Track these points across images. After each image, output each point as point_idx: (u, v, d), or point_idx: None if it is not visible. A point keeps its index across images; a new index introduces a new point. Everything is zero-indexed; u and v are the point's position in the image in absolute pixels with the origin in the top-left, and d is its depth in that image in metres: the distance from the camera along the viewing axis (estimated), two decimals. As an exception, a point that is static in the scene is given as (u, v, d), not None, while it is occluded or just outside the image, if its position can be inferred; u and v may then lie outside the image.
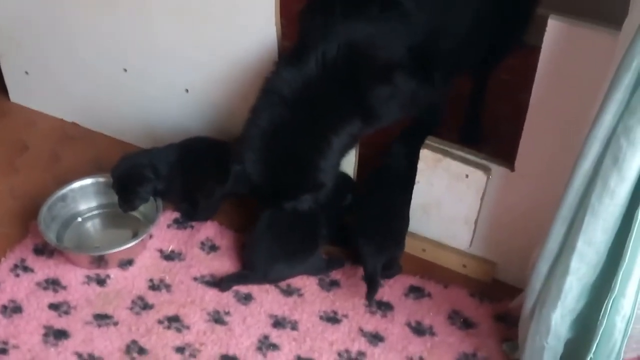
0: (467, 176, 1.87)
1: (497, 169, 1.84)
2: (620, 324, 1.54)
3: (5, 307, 1.87)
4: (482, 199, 1.89)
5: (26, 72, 2.41)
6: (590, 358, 1.59)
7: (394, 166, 2.06)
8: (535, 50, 1.64)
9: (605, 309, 1.51)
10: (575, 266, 1.50)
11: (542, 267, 1.59)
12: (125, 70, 2.22)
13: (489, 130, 2.32)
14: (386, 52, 1.84)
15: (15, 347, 1.79)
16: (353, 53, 1.81)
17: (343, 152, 1.93)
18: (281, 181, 1.88)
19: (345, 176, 2.09)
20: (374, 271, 1.89)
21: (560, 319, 1.59)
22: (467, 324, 1.91)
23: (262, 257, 1.97)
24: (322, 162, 1.86)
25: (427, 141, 1.90)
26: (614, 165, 1.33)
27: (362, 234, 1.94)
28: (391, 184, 2.04)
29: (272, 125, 1.85)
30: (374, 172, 2.08)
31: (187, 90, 2.18)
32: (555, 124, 1.69)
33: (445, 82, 1.96)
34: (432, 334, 1.88)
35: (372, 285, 1.88)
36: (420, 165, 1.92)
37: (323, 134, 1.84)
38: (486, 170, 1.85)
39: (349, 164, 2.07)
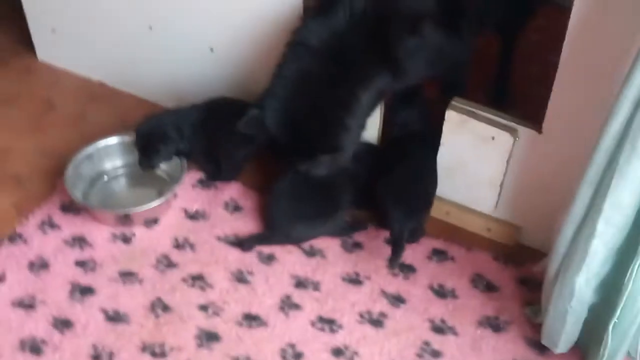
0: (493, 138, 1.84)
1: (525, 131, 1.81)
2: (645, 289, 1.52)
3: (32, 263, 1.90)
4: (508, 161, 1.86)
5: (53, 30, 2.42)
6: (615, 322, 1.57)
7: (415, 130, 2.03)
8: (566, 10, 1.60)
9: (631, 273, 1.49)
10: (601, 229, 1.47)
11: (568, 231, 1.57)
12: (151, 28, 2.22)
13: (517, 91, 2.28)
14: (414, 3, 1.80)
15: (42, 302, 1.82)
16: (381, 4, 1.77)
17: (369, 110, 1.88)
18: (300, 136, 1.82)
19: (372, 145, 2.07)
20: (401, 236, 1.88)
21: (584, 283, 1.57)
22: (489, 287, 1.90)
23: (283, 217, 1.97)
24: (348, 118, 1.80)
25: (452, 102, 1.87)
26: (644, 125, 1.30)
27: (390, 199, 1.92)
28: (417, 147, 2.01)
29: (298, 76, 1.80)
30: (397, 137, 2.06)
31: (212, 50, 2.17)
32: (584, 85, 1.65)
33: (473, 36, 1.91)
34: (454, 296, 1.88)
35: (397, 250, 1.87)
36: (446, 127, 1.89)
37: (351, 87, 1.79)
38: (513, 132, 1.82)
39: (373, 126, 2.05)
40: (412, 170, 1.97)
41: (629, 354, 1.65)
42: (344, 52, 1.80)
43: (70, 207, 2.04)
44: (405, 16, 1.79)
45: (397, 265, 1.90)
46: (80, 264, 1.92)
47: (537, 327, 1.78)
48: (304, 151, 1.84)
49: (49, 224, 2.00)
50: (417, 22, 1.80)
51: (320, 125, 1.81)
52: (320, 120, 1.81)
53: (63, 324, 1.78)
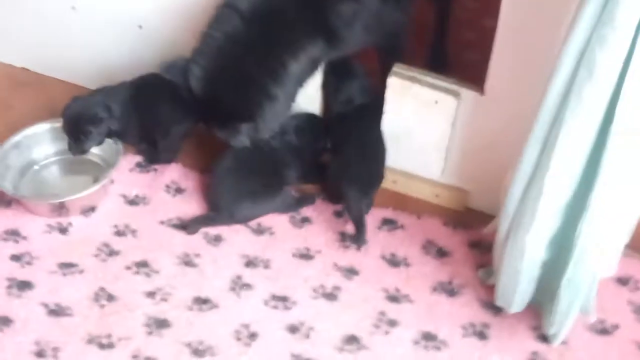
0: (436, 102, 1.82)
1: (467, 94, 1.80)
2: (595, 243, 1.52)
3: (-37, 262, 1.80)
4: (452, 125, 1.85)
5: (-32, 16, 2.28)
6: (567, 279, 1.58)
7: (359, 104, 1.99)
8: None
9: (580, 229, 1.50)
10: (550, 186, 1.47)
11: (516, 190, 1.56)
12: (74, 8, 2.11)
13: (456, 57, 2.27)
14: None
15: (-23, 301, 1.73)
16: None
17: (301, 80, 1.82)
18: (221, 100, 1.77)
19: (317, 117, 2.03)
20: (360, 213, 1.87)
21: (535, 241, 1.57)
22: (441, 253, 1.89)
23: (227, 196, 1.91)
24: (274, 87, 1.74)
25: (394, 68, 1.84)
26: (588, 77, 1.29)
27: (345, 180, 1.88)
28: (363, 121, 1.97)
29: (225, 38, 1.74)
30: (341, 112, 2.00)
31: (140, 27, 2.08)
32: (525, 44, 1.64)
33: (409, 2, 1.88)
34: (407, 264, 1.86)
35: (360, 228, 1.86)
36: (388, 94, 1.86)
37: (279, 54, 1.73)
38: (456, 95, 1.81)
39: (315, 96, 2.00)
40: (362, 146, 1.93)
41: (582, 309, 1.67)
42: (274, 16, 1.73)
43: (1, 201, 1.93)
44: None
45: (364, 241, 1.87)
46: (16, 258, 1.82)
47: (490, 289, 1.78)
48: (223, 117, 1.78)
49: (-21, 220, 1.89)
50: None
51: (243, 91, 1.75)
52: (243, 85, 1.75)
53: (2, 322, 1.69)
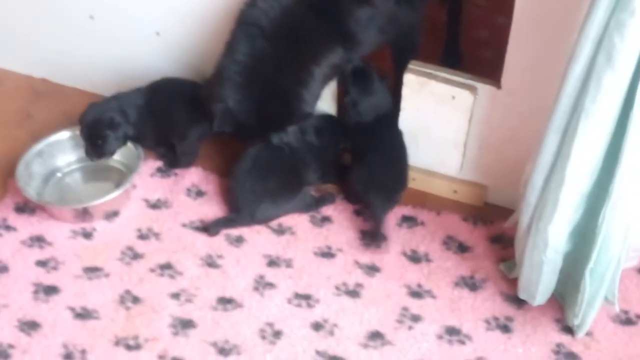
0: (453, 98, 1.83)
1: (484, 88, 1.81)
2: (618, 232, 1.53)
3: (-10, 268, 1.82)
4: (470, 120, 1.86)
5: (-12, 29, 2.32)
6: (591, 268, 1.58)
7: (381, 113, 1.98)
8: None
9: (603, 217, 1.50)
10: (571, 175, 1.47)
11: (537, 180, 1.57)
12: (92, 17, 2.14)
13: (469, 55, 2.28)
14: None
15: (5, 306, 1.75)
16: None
17: (325, 82, 1.88)
18: (267, 115, 1.84)
19: (335, 118, 2.04)
20: (382, 220, 1.89)
21: (557, 231, 1.57)
22: (462, 248, 1.89)
23: (247, 197, 1.92)
24: (305, 93, 1.81)
25: (410, 65, 1.85)
26: (607, 63, 1.30)
27: (370, 188, 1.90)
28: (384, 127, 1.97)
29: (252, 60, 1.79)
30: (362, 121, 1.98)
31: (158, 34, 2.11)
32: (540, 35, 1.65)
33: (423, 1, 1.90)
34: (428, 260, 1.87)
35: (379, 228, 1.88)
36: (405, 91, 1.88)
37: (304, 65, 1.79)
38: (472, 90, 1.81)
39: (330, 98, 2.02)
40: (386, 153, 1.94)
41: (606, 299, 1.67)
42: (294, 29, 1.78)
43: (25, 208, 1.96)
44: None
45: (383, 237, 1.88)
46: (41, 263, 1.84)
47: (513, 283, 1.79)
48: (271, 127, 1.86)
49: (4, 227, 1.91)
50: None
51: (282, 104, 1.83)
52: (281, 99, 1.82)
53: (30, 326, 1.71)
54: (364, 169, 1.94)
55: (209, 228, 1.92)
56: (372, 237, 1.89)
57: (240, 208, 1.94)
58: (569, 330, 1.72)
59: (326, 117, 2.01)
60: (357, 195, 1.97)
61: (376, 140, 1.95)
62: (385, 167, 1.93)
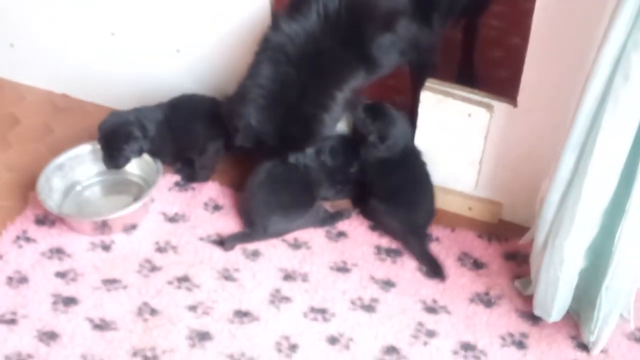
0: (469, 115, 1.85)
1: (500, 106, 1.83)
2: (634, 248, 1.53)
3: (10, 279, 1.84)
4: (485, 138, 1.88)
5: (11, 45, 2.36)
6: (606, 286, 1.59)
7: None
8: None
9: (620, 234, 1.51)
10: (588, 192, 1.49)
11: (554, 197, 1.58)
12: (113, 34, 2.18)
13: (485, 74, 2.31)
14: (387, 1, 1.82)
15: (25, 316, 1.77)
16: (354, 3, 1.78)
17: (344, 106, 1.91)
18: (288, 137, 1.88)
19: (348, 139, 2.05)
20: (426, 249, 1.91)
21: (573, 248, 1.59)
22: (477, 265, 1.91)
23: (259, 209, 1.95)
24: (327, 117, 1.86)
25: (427, 83, 1.88)
26: (625, 82, 1.31)
27: (406, 227, 1.92)
28: (411, 161, 1.98)
29: (276, 84, 1.83)
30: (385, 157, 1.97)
31: (178, 51, 2.15)
32: (556, 54, 1.68)
33: (443, 24, 1.94)
34: (430, 272, 1.88)
35: (433, 262, 1.89)
36: (421, 109, 1.90)
37: (327, 90, 1.83)
38: (489, 108, 1.84)
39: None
40: (416, 191, 1.97)
41: (621, 316, 1.67)
42: (318, 55, 1.82)
43: (45, 220, 1.98)
44: (379, 13, 1.81)
45: (443, 274, 1.88)
46: (61, 275, 1.86)
47: (528, 300, 1.79)
48: (291, 147, 1.91)
49: (24, 238, 1.94)
50: (391, 18, 1.82)
51: (304, 127, 1.87)
52: (303, 123, 1.86)
53: (49, 337, 1.72)
54: (400, 210, 1.94)
55: (224, 243, 1.94)
56: (434, 273, 1.88)
57: (253, 220, 1.96)
58: (584, 347, 1.73)
59: (340, 138, 2.03)
60: (392, 231, 1.96)
61: (407, 180, 1.96)
62: (417, 205, 1.95)
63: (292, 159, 1.95)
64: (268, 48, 1.84)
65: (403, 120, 1.97)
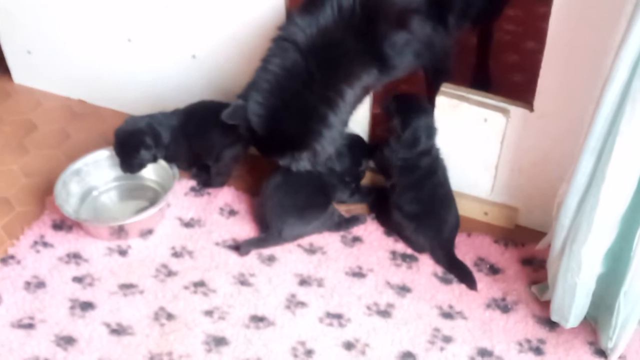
0: (485, 120, 1.85)
1: (516, 111, 1.82)
2: (653, 254, 1.52)
3: (28, 284, 1.85)
4: (502, 142, 1.87)
5: (28, 52, 2.38)
6: (624, 292, 1.58)
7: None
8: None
9: (638, 239, 1.50)
10: (606, 197, 1.48)
11: (571, 202, 1.57)
12: (130, 40, 2.19)
13: (500, 78, 2.30)
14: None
15: (42, 321, 1.77)
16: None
17: (354, 107, 1.87)
18: (280, 131, 1.81)
19: (360, 140, 2.06)
20: (454, 258, 1.90)
21: (591, 254, 1.58)
22: (493, 270, 1.90)
23: (274, 212, 1.95)
24: (332, 116, 1.79)
25: (443, 88, 1.88)
26: (644, 86, 1.31)
27: (434, 242, 1.91)
28: (435, 172, 1.95)
29: (282, 72, 1.79)
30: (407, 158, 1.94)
31: (194, 56, 2.15)
32: (573, 59, 1.67)
33: (458, 27, 1.93)
34: (460, 282, 1.87)
35: (467, 275, 1.87)
36: (438, 113, 1.90)
37: (337, 85, 1.78)
38: (505, 112, 1.83)
39: (364, 119, 2.04)
40: (442, 205, 1.94)
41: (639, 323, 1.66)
42: (330, 48, 1.79)
43: (62, 225, 2.00)
44: (394, 10, 1.80)
45: (475, 284, 1.86)
46: (78, 280, 1.87)
47: (544, 305, 1.79)
48: (285, 148, 1.83)
49: (42, 243, 1.95)
50: (406, 15, 1.80)
51: (303, 122, 1.80)
52: (304, 117, 1.80)
53: (66, 341, 1.73)
54: (430, 229, 1.92)
55: (240, 248, 1.94)
56: (465, 281, 1.87)
57: (268, 223, 1.96)
58: (601, 353, 1.72)
59: (347, 140, 1.99)
60: (415, 245, 1.95)
61: (435, 189, 1.94)
62: (448, 221, 1.93)
63: (284, 163, 1.87)
64: (279, 38, 1.83)
65: (429, 114, 1.92)
